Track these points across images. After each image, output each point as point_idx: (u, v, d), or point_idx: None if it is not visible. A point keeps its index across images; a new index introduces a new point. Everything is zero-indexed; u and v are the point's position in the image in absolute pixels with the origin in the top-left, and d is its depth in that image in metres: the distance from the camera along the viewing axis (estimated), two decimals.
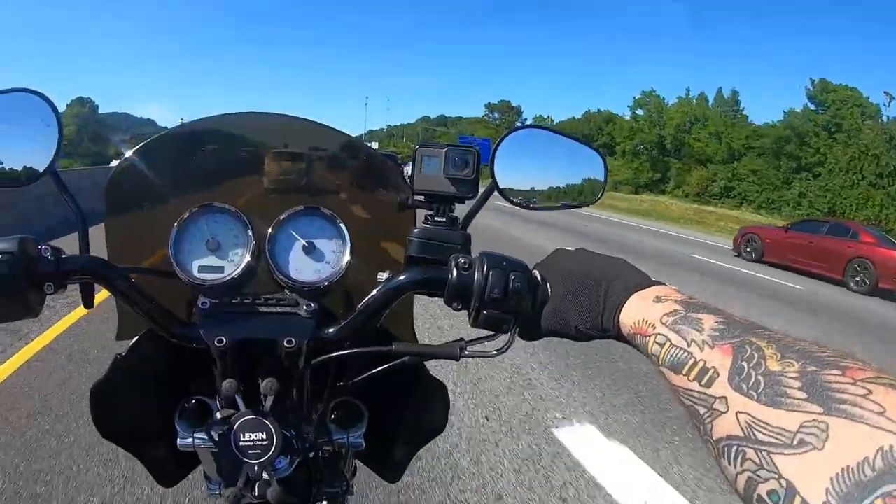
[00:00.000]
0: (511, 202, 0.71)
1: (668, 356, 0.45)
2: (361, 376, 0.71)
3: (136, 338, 0.75)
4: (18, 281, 0.56)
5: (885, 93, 33.54)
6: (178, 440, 0.70)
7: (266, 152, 0.83)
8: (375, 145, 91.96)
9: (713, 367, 0.41)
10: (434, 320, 4.25)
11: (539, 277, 0.60)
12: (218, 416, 0.67)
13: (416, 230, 0.68)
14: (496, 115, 73.07)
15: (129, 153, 0.79)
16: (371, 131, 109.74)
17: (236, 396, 0.63)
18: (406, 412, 0.82)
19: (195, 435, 0.69)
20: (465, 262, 0.59)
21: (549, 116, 65.16)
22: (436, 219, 0.68)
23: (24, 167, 0.68)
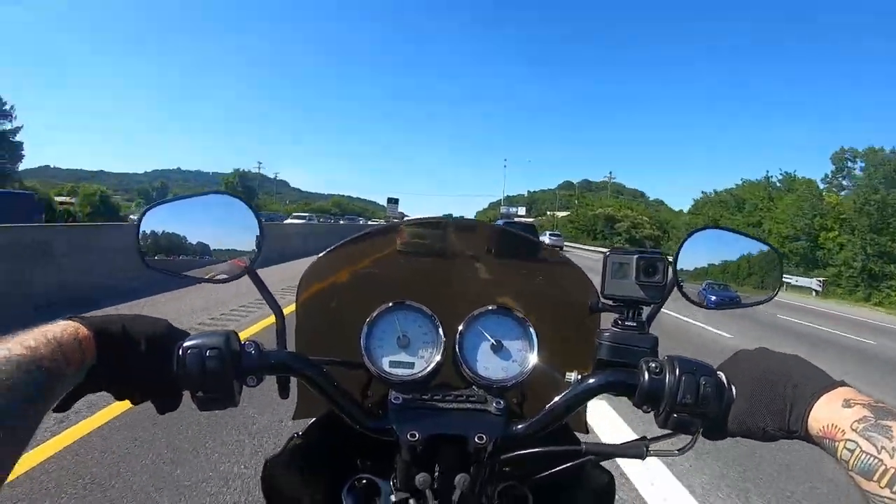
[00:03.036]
0: (691, 302, 0.75)
1: (859, 462, 0.49)
2: (544, 473, 0.76)
3: (314, 420, 0.84)
4: (227, 375, 0.62)
5: None
6: None
7: (454, 253, 0.91)
8: (522, 210, 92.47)
9: None
10: None
11: (725, 380, 0.63)
12: (393, 498, 0.73)
13: (606, 333, 0.72)
14: None
15: (322, 254, 0.87)
16: (509, 197, 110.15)
17: (427, 490, 0.68)
18: (571, 498, 0.84)
19: None
20: (656, 367, 0.63)
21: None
22: (626, 323, 0.72)
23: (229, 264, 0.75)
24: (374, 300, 0.76)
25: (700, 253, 0.76)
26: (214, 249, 0.75)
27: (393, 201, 55.25)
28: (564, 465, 0.74)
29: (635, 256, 0.71)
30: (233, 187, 73.24)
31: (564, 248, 40.84)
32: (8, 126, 41.99)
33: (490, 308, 0.75)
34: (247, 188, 75.90)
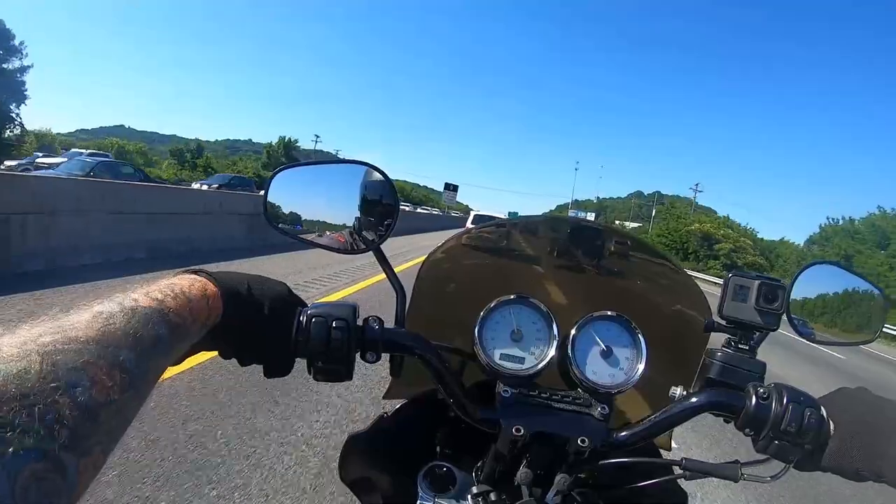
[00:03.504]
0: (798, 332, 0.76)
1: None
2: (640, 484, 0.77)
3: (404, 402, 0.86)
4: (350, 347, 0.62)
5: None
6: (419, 501, 0.76)
7: (572, 255, 0.92)
8: (591, 216, 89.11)
9: None
10: None
11: (825, 414, 0.64)
12: (474, 489, 0.74)
13: (718, 353, 0.73)
14: None
15: (447, 240, 0.87)
16: (577, 201, 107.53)
17: (524, 486, 0.69)
18: None
19: (437, 499, 0.76)
20: (764, 393, 0.65)
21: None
22: (739, 346, 0.73)
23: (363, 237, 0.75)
24: (490, 292, 0.77)
25: (810, 285, 0.77)
26: (339, 220, 0.75)
27: (451, 188, 47.30)
28: (655, 480, 0.75)
29: (757, 282, 0.72)
30: (276, 157, 69.38)
31: None
32: (17, 63, 40.65)
33: (606, 313, 0.76)
34: (291, 159, 68.37)
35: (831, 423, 0.64)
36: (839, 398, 0.66)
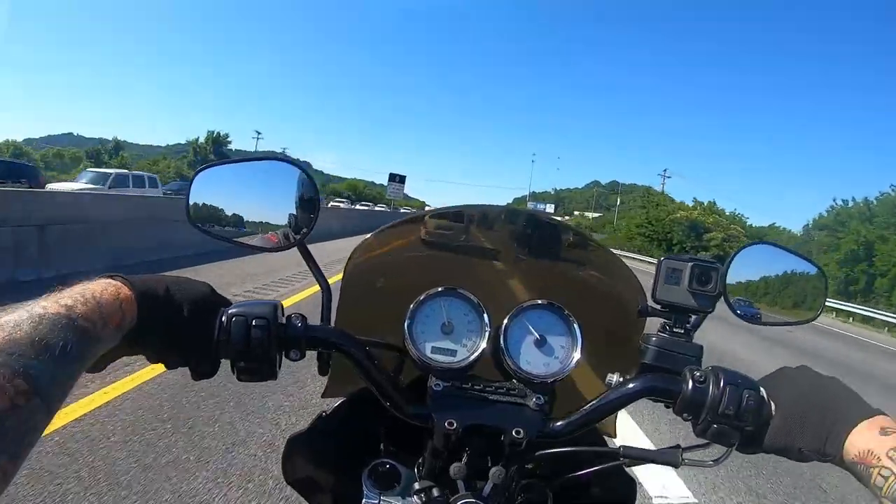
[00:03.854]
0: (737, 315, 0.76)
1: (892, 490, 0.50)
2: (571, 474, 0.77)
3: (342, 400, 0.85)
4: (270, 346, 0.62)
5: None
6: (364, 499, 0.75)
7: (504, 244, 0.92)
8: (551, 208, 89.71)
9: None
10: None
11: (765, 395, 0.64)
12: (416, 486, 0.73)
13: (653, 338, 0.73)
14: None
15: (371, 234, 0.87)
16: (534, 193, 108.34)
17: (459, 480, 0.69)
18: (591, 499, 0.84)
19: (383, 497, 0.75)
20: (701, 376, 0.64)
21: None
22: (674, 329, 0.74)
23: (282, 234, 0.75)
24: (420, 285, 0.76)
25: (748, 267, 0.77)
26: (265, 218, 0.76)
27: (397, 179, 38.45)
28: (595, 468, 0.75)
29: (690, 264, 0.72)
30: (204, 154, 61.59)
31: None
32: None
33: (537, 302, 0.75)
34: (220, 155, 60.04)
35: (772, 403, 0.63)
36: (779, 378, 0.66)
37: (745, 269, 0.76)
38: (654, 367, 0.71)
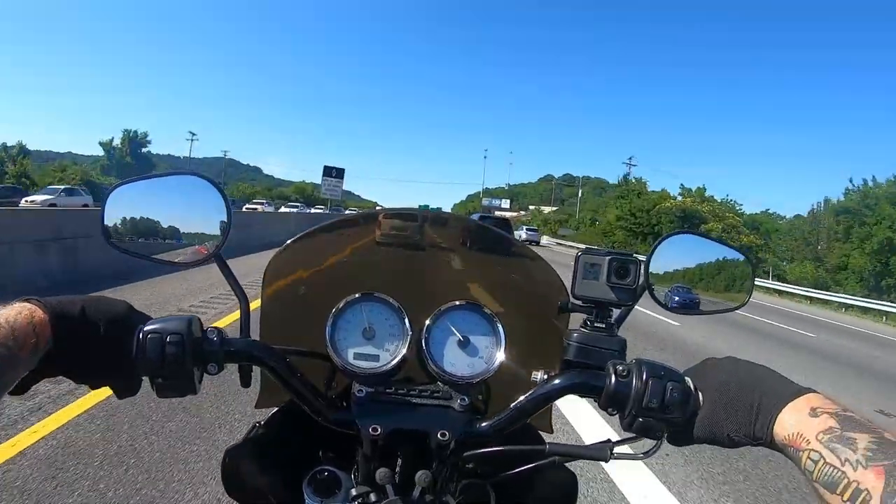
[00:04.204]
0: (662, 306, 0.77)
1: (822, 474, 0.49)
2: (509, 472, 0.77)
3: (276, 409, 0.85)
4: (186, 361, 0.62)
5: None
6: None
7: (427, 246, 0.92)
8: (506, 203, 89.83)
9: (866, 489, 0.45)
10: None
11: (692, 386, 0.64)
12: (353, 491, 0.74)
13: (574, 334, 0.73)
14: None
15: (289, 241, 0.87)
16: (488, 189, 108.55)
17: (388, 485, 0.69)
18: (534, 497, 0.85)
19: None
20: (623, 370, 0.65)
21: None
22: (595, 324, 0.74)
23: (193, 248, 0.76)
24: (343, 291, 0.76)
25: (674, 257, 0.78)
26: (183, 232, 0.76)
27: (333, 173, 31.48)
28: (528, 465, 0.75)
29: (607, 258, 0.73)
30: (119, 157, 53.91)
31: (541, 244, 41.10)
32: None
33: (458, 303, 0.76)
34: (139, 157, 54.03)
35: (700, 394, 0.64)
36: (706, 368, 0.67)
37: (669, 259, 0.77)
38: (577, 363, 0.72)
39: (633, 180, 53.21)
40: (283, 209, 37.57)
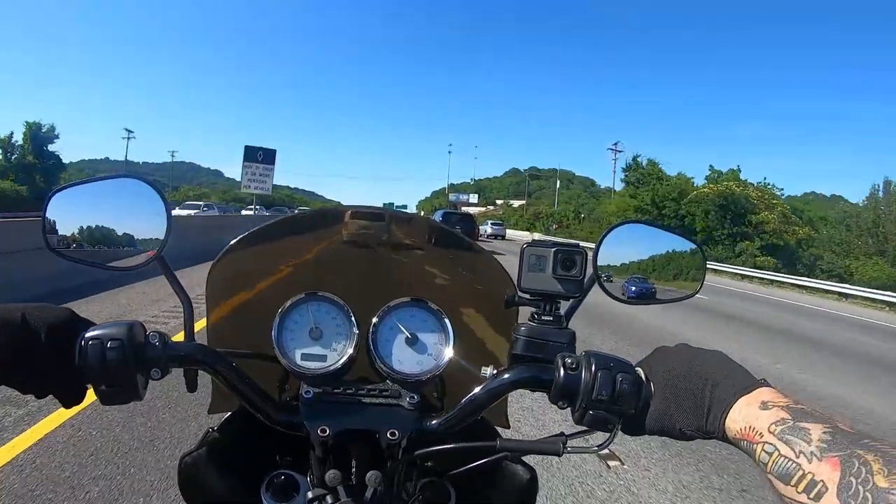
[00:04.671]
0: (612, 297, 0.77)
1: (777, 466, 0.49)
2: (462, 469, 0.77)
3: (230, 413, 0.85)
4: (128, 367, 0.62)
5: None
6: None
7: (371, 244, 0.92)
8: (475, 198, 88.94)
9: (821, 480, 0.45)
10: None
11: (643, 377, 0.64)
12: (309, 494, 0.74)
13: (522, 328, 0.73)
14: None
15: (233, 241, 0.86)
16: (453, 185, 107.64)
17: (339, 487, 0.69)
18: (494, 493, 0.86)
19: None
20: (572, 363, 0.65)
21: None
22: (542, 317, 0.74)
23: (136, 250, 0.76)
24: (291, 291, 0.76)
25: (625, 248, 0.79)
26: (125, 236, 0.76)
27: (258, 156, 21.72)
28: (482, 461, 0.76)
29: (553, 250, 0.73)
30: (21, 155, 45.02)
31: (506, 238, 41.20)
32: None
33: (404, 300, 0.76)
34: (42, 153, 45.57)
35: (652, 385, 0.64)
36: (658, 358, 0.67)
37: (620, 250, 0.78)
38: (526, 356, 0.72)
39: (647, 164, 40.84)
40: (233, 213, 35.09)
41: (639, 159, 41.50)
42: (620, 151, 57.13)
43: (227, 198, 77.77)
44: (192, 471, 0.81)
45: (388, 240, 0.92)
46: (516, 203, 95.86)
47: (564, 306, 0.77)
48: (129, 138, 69.34)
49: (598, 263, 0.77)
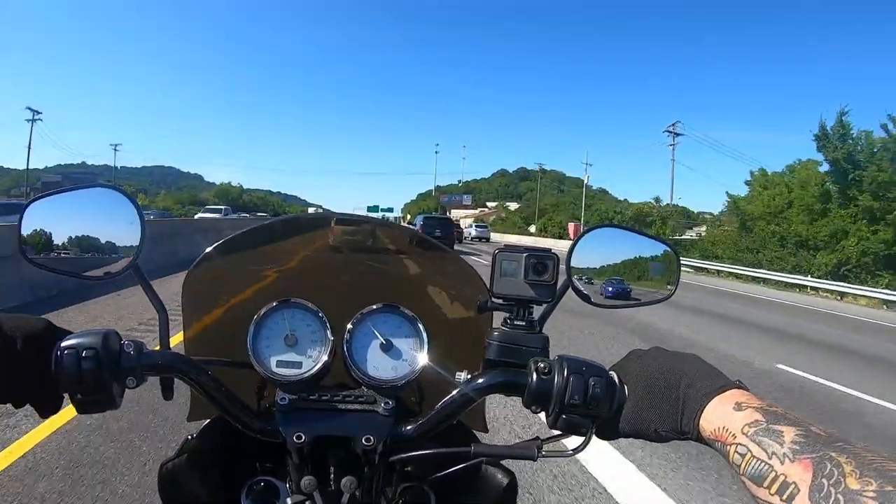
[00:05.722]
0: (586, 301, 0.79)
1: (750, 467, 0.51)
2: (439, 474, 0.79)
3: (208, 421, 0.86)
4: (104, 376, 0.63)
5: None
6: None
7: (345, 250, 0.94)
8: (468, 199, 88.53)
9: (794, 482, 0.46)
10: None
11: (617, 379, 0.66)
12: (289, 501, 0.76)
13: (495, 333, 0.75)
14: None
15: (209, 248, 0.88)
16: (439, 187, 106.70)
17: (315, 493, 0.71)
18: (474, 497, 0.88)
19: None
20: (544, 367, 0.67)
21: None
22: (515, 322, 0.76)
23: (110, 259, 0.78)
24: (267, 299, 0.78)
25: (600, 251, 0.81)
26: (101, 244, 0.77)
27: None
28: (459, 466, 0.77)
29: (524, 255, 0.75)
30: None
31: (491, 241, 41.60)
32: None
33: (378, 306, 0.78)
34: None
35: (626, 388, 0.65)
36: (631, 361, 0.68)
37: (595, 254, 0.80)
38: (499, 361, 0.73)
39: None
40: (199, 216, 34.39)
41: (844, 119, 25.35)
42: (590, 165, 54.49)
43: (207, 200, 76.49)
44: (173, 478, 0.82)
45: (370, 246, 0.94)
46: (511, 205, 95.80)
47: (538, 311, 0.78)
48: (33, 120, 66.86)
49: (577, 267, 0.78)
